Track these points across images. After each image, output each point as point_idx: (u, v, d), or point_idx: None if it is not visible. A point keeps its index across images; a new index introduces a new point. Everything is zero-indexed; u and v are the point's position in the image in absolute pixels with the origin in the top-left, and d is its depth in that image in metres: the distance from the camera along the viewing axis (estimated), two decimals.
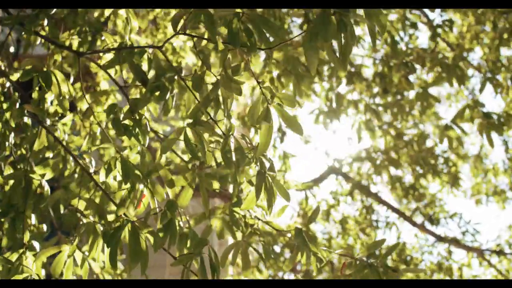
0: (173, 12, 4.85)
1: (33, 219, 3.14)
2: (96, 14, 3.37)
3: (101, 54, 3.18)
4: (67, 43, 3.38)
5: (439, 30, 6.38)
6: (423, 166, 8.92)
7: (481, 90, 5.68)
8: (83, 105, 3.63)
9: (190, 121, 2.36)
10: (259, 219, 3.05)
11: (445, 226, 10.41)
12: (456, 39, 7.21)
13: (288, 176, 8.89)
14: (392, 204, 10.25)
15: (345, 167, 9.72)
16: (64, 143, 3.44)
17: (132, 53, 2.75)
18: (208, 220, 2.97)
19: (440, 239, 10.29)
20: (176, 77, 2.61)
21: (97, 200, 2.92)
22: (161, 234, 2.50)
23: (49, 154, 3.10)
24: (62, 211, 3.17)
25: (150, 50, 2.82)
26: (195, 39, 2.98)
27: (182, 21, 2.35)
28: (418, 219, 10.38)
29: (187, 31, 2.54)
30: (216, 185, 2.83)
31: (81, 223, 2.83)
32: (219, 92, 2.31)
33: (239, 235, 3.00)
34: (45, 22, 3.30)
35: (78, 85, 3.50)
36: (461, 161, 10.70)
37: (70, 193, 3.20)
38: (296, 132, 2.19)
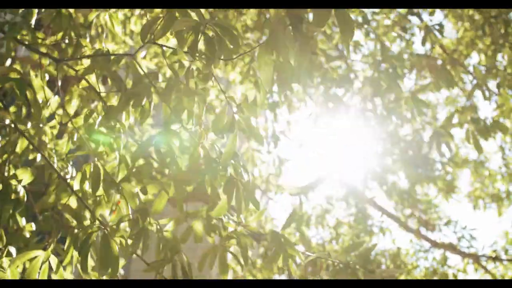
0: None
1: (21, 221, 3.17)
2: (81, 20, 3.39)
3: (82, 60, 3.19)
4: (51, 48, 3.39)
5: (433, 34, 6.38)
6: (418, 172, 8.94)
7: (469, 96, 5.68)
8: (69, 109, 3.65)
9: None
10: (237, 222, 3.06)
11: (441, 232, 10.41)
12: (452, 45, 7.21)
13: (283, 181, 8.94)
14: (388, 210, 10.25)
15: (340, 172, 9.74)
16: (51, 147, 3.47)
17: (108, 60, 2.77)
18: (187, 224, 2.98)
19: (435, 244, 10.27)
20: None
21: (75, 206, 2.94)
22: (132, 240, 2.51)
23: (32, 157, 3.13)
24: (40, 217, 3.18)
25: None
26: (171, 46, 3.00)
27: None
28: (414, 224, 10.38)
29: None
30: (189, 189, 2.85)
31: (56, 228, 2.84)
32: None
33: (217, 239, 3.01)
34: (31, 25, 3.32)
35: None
36: (457, 168, 10.71)
37: (56, 198, 3.21)
38: (257, 142, 2.20)
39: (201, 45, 2.23)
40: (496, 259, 10.65)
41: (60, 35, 3.44)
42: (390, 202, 10.13)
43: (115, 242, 2.52)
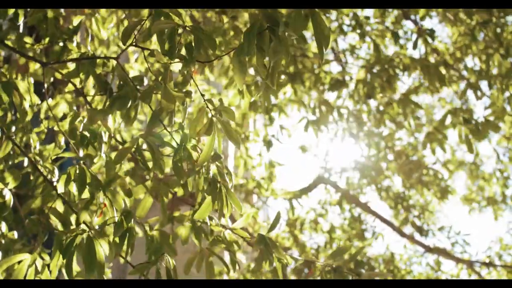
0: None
1: (3, 227, 3.17)
2: (70, 25, 3.40)
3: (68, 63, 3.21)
4: (38, 52, 3.41)
5: (425, 38, 6.40)
6: (412, 177, 8.95)
7: (460, 97, 5.71)
8: (57, 112, 3.67)
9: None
10: (224, 226, 3.07)
11: (435, 237, 10.41)
12: (446, 49, 7.23)
13: (278, 185, 8.95)
14: (382, 215, 10.25)
15: (334, 176, 9.75)
16: (37, 151, 3.48)
17: (93, 63, 2.78)
18: (173, 226, 2.99)
19: (429, 250, 10.27)
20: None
21: (62, 209, 2.94)
22: (116, 242, 2.52)
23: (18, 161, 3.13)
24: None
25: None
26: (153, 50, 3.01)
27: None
28: (408, 229, 10.38)
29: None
30: (180, 191, 2.86)
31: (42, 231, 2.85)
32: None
33: (204, 242, 3.02)
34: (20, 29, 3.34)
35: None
36: (452, 171, 10.71)
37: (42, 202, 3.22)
38: (235, 145, 2.22)
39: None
40: (490, 264, 10.65)
41: (47, 39, 3.46)
42: (385, 207, 10.15)
43: (99, 245, 2.52)
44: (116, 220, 2.58)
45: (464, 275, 10.71)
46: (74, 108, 3.51)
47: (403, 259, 10.52)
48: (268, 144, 7.17)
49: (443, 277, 10.40)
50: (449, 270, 10.70)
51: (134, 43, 2.35)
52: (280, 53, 1.92)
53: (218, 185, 2.47)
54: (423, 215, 10.23)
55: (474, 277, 10.68)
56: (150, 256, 2.56)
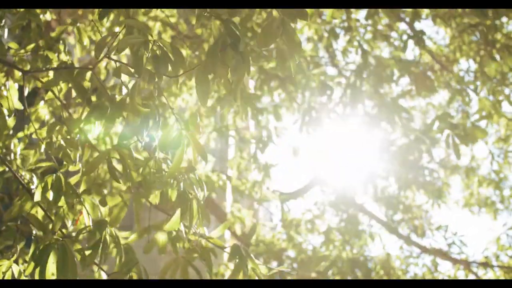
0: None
1: None
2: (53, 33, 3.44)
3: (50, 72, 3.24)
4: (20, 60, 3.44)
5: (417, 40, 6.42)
6: (408, 178, 8.97)
7: (449, 103, 5.74)
8: (37, 118, 3.70)
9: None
10: (202, 236, 3.09)
11: (431, 237, 10.42)
12: (440, 50, 7.25)
13: (272, 187, 8.98)
14: (378, 216, 10.27)
15: (330, 177, 9.77)
16: (19, 157, 3.52)
17: (72, 73, 2.81)
18: (149, 236, 3.02)
19: (425, 250, 10.28)
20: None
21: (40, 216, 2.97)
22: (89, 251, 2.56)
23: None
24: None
25: None
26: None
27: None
28: (404, 230, 10.40)
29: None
30: (154, 199, 2.89)
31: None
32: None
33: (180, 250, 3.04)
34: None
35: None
36: (448, 174, 10.72)
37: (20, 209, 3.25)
38: (202, 159, 2.25)
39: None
40: (487, 265, 10.64)
41: (32, 46, 3.49)
42: (381, 208, 10.16)
43: (73, 252, 2.56)
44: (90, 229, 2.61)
45: (461, 275, 10.71)
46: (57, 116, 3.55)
47: (400, 259, 10.52)
48: (263, 146, 7.20)
49: (440, 277, 10.41)
50: (446, 271, 10.69)
51: (107, 55, 2.38)
52: (242, 69, 1.94)
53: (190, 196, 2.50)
54: (420, 216, 10.24)
55: (471, 277, 10.68)
56: (122, 267, 2.60)
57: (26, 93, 3.04)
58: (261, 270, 2.84)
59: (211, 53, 1.90)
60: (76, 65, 3.77)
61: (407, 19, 6.77)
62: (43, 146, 3.12)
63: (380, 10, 6.38)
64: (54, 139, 2.89)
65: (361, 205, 9.90)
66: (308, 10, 2.15)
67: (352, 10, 6.42)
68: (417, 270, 10.51)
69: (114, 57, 2.55)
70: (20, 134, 3.47)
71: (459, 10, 6.14)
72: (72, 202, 2.73)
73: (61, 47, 3.25)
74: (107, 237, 2.60)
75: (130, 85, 2.43)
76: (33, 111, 3.22)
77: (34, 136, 3.11)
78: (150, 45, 2.11)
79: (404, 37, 6.70)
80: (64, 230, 2.77)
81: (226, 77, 1.96)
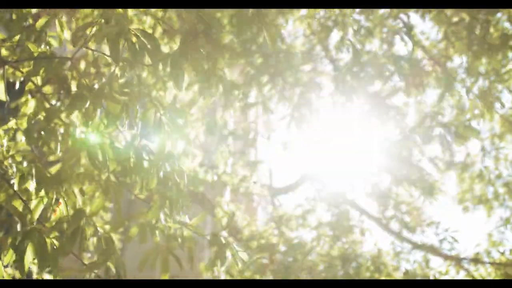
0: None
1: None
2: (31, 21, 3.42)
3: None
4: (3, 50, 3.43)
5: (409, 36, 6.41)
6: (400, 174, 8.98)
7: (438, 101, 5.74)
8: (26, 110, 3.69)
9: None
10: (182, 224, 3.10)
11: (423, 233, 10.41)
12: (433, 46, 7.25)
13: (262, 181, 8.97)
14: (369, 212, 10.28)
15: (321, 173, 9.78)
16: (5, 148, 3.51)
17: (52, 63, 2.80)
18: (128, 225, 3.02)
19: (416, 246, 10.28)
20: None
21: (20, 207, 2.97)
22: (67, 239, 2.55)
23: None
24: None
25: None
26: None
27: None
28: (395, 226, 10.39)
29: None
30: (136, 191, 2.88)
31: None
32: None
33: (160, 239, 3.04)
34: None
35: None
36: (442, 171, 10.72)
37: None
38: (185, 144, 2.25)
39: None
40: (478, 261, 10.64)
41: (16, 37, 3.48)
42: (372, 204, 10.16)
43: (51, 241, 2.56)
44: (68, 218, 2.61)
45: (452, 272, 10.71)
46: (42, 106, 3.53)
47: (391, 256, 10.52)
48: (252, 141, 7.20)
49: (431, 273, 10.41)
50: (438, 267, 10.69)
51: (84, 45, 2.38)
52: (215, 55, 1.94)
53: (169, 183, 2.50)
54: (410, 212, 10.24)
55: (462, 273, 10.69)
56: (99, 256, 2.60)
57: (4, 83, 3.02)
58: (241, 257, 2.85)
59: (184, 39, 1.89)
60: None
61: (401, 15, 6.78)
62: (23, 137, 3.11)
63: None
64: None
65: (352, 200, 9.90)
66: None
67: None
68: (408, 266, 10.51)
69: (92, 47, 2.55)
70: (5, 127, 3.47)
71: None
72: (51, 192, 2.72)
73: (43, 38, 3.23)
74: (85, 227, 2.60)
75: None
76: (23, 102, 3.20)
77: (14, 126, 3.10)
78: (126, 34, 2.10)
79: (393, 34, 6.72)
80: (43, 220, 2.77)
81: (201, 64, 1.96)
